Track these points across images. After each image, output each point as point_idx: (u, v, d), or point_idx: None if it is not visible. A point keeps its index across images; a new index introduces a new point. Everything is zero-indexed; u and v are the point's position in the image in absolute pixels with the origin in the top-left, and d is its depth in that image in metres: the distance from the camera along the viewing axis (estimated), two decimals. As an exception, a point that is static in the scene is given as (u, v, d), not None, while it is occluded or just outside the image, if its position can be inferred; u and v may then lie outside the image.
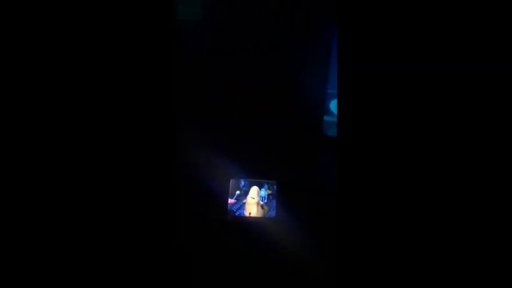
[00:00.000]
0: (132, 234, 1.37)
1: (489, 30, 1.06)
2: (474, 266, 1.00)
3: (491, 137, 1.05)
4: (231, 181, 1.55)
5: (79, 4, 1.32)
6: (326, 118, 1.70)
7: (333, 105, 1.70)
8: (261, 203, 1.54)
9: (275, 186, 1.55)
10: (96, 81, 1.36)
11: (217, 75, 1.59)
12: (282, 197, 1.55)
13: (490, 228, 1.01)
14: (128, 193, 1.38)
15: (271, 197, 1.55)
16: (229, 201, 1.54)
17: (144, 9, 1.38)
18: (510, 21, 1.04)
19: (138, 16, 1.38)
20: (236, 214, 1.54)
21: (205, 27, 1.56)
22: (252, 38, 1.57)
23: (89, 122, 1.35)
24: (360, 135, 1.14)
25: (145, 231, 1.39)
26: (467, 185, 1.04)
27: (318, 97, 1.66)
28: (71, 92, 1.34)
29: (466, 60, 1.07)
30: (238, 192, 1.54)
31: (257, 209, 1.54)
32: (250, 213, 1.54)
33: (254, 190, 1.55)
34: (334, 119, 1.68)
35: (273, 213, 1.54)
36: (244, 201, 1.54)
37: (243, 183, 1.55)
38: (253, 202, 1.53)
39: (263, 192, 1.55)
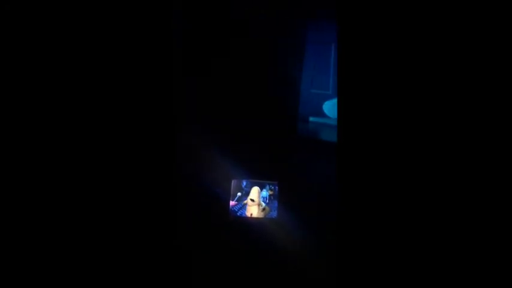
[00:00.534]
0: (132, 234, 1.37)
1: (489, 30, 1.06)
2: (474, 266, 0.99)
3: (491, 140, 1.04)
4: (232, 182, 1.54)
5: (79, 4, 1.32)
6: (312, 119, 1.70)
7: (326, 106, 1.70)
8: (263, 205, 1.54)
9: (276, 187, 1.55)
10: (96, 82, 1.37)
11: (217, 75, 1.59)
12: (283, 198, 1.54)
13: (488, 229, 1.00)
14: (128, 193, 1.38)
15: (272, 198, 1.55)
16: (230, 203, 1.54)
17: (144, 9, 1.38)
18: (510, 21, 1.04)
19: (138, 16, 1.38)
20: (237, 214, 1.54)
21: (206, 26, 1.56)
22: (252, 38, 1.58)
23: (89, 122, 1.36)
24: (360, 136, 1.14)
25: (146, 231, 1.39)
26: (467, 185, 1.04)
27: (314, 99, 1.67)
28: (71, 92, 1.35)
29: (466, 60, 1.07)
30: (239, 193, 1.54)
31: (258, 210, 1.54)
32: (251, 214, 1.53)
33: (255, 190, 1.54)
34: (325, 121, 1.69)
35: (274, 213, 1.54)
36: (245, 202, 1.54)
37: (244, 183, 1.55)
38: (254, 204, 1.53)
39: (264, 193, 1.55)
